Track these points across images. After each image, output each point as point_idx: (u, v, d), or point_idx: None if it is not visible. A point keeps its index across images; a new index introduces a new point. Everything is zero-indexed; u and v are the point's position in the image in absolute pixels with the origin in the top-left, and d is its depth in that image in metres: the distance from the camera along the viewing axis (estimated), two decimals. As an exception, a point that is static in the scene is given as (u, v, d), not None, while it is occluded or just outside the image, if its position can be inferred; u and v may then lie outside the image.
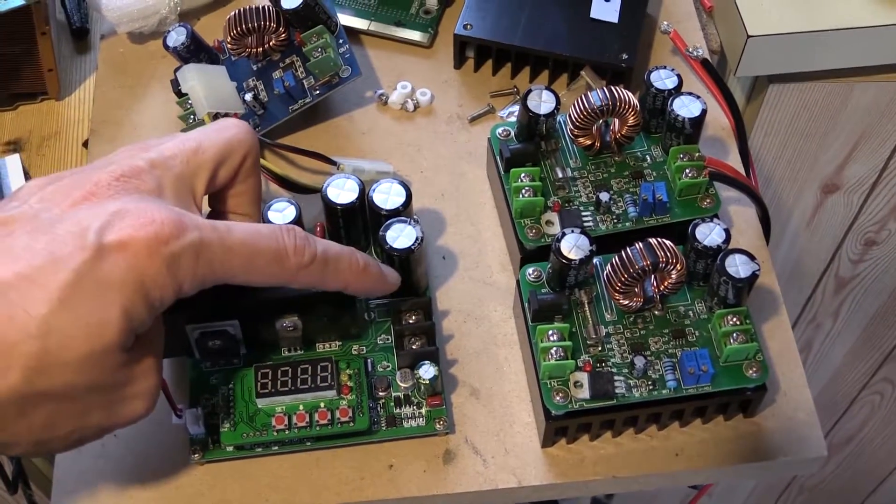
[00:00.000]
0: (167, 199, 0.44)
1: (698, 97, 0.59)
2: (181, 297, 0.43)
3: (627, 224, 0.58)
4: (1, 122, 0.77)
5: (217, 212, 0.51)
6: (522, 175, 0.59)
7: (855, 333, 1.17)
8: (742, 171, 0.65)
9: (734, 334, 0.53)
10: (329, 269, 0.48)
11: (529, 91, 0.60)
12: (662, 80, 0.60)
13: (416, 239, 0.55)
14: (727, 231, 0.54)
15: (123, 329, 0.41)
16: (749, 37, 0.74)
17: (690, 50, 0.68)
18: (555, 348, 0.53)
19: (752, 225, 0.65)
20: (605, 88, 0.58)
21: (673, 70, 0.60)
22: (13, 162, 0.68)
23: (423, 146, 0.68)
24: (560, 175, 0.60)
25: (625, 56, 0.68)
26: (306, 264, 0.47)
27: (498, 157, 0.61)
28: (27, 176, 0.69)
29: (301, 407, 0.55)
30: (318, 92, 0.66)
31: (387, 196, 0.58)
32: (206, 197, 0.50)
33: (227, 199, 0.51)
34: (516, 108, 0.69)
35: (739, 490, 1.55)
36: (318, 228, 0.60)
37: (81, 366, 0.41)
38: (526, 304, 0.56)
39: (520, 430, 0.57)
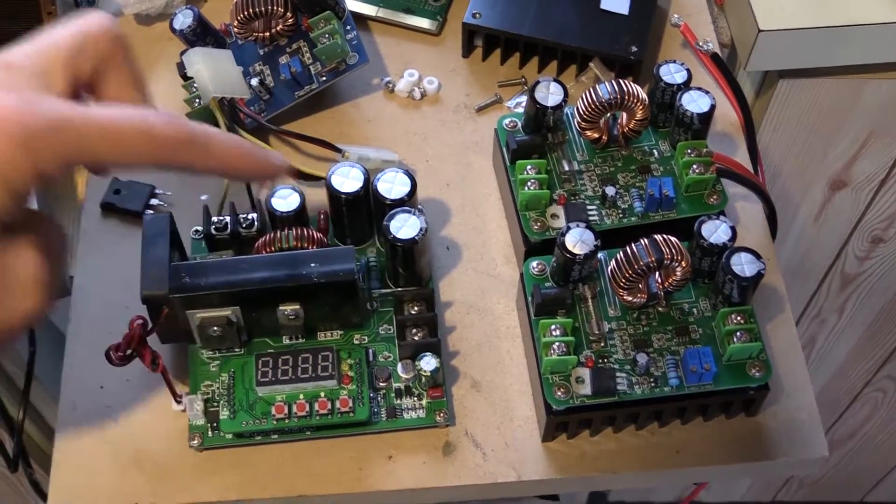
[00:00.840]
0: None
1: (707, 92, 0.58)
2: (47, 179, 0.41)
3: (633, 219, 0.58)
4: (6, 102, 0.76)
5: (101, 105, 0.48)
6: (528, 167, 0.58)
7: (859, 330, 1.16)
8: (750, 167, 0.65)
9: (738, 333, 0.53)
10: (209, 146, 0.45)
11: (537, 82, 0.59)
12: (672, 74, 0.59)
13: (421, 229, 0.55)
14: (733, 229, 0.54)
15: None
16: (760, 31, 0.73)
17: (700, 44, 0.67)
18: (557, 343, 0.52)
19: (758, 222, 0.64)
20: (613, 82, 0.58)
21: (682, 64, 0.60)
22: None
23: (430, 135, 0.68)
24: (566, 168, 0.60)
25: (634, 49, 0.67)
26: (181, 140, 0.44)
27: (504, 149, 0.61)
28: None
29: (301, 396, 0.55)
30: (324, 78, 0.66)
31: (391, 185, 0.57)
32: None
33: (106, 90, 0.48)
34: (524, 98, 0.69)
35: (739, 484, 1.55)
36: (322, 216, 0.60)
37: None
38: (529, 298, 0.55)
39: (520, 424, 0.57)
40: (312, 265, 0.53)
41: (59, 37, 0.46)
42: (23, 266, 0.43)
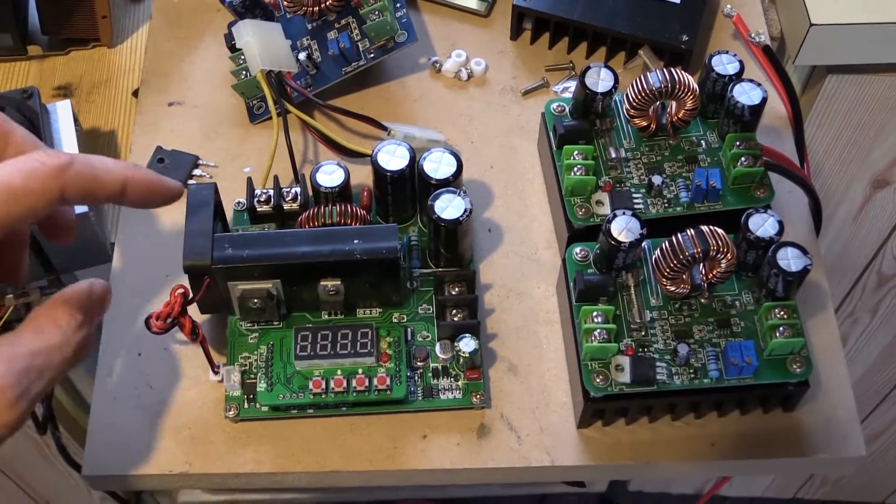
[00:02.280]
0: None
1: (759, 85, 0.58)
2: None
3: (678, 209, 0.58)
4: (52, 67, 0.77)
5: None
6: (575, 153, 0.58)
7: (892, 331, 1.15)
8: (796, 161, 0.64)
9: (781, 328, 0.53)
10: (98, 169, 0.44)
11: (588, 68, 0.59)
12: (724, 65, 0.59)
13: (465, 211, 0.55)
14: (781, 223, 0.53)
15: None
16: (812, 25, 0.72)
17: (753, 35, 0.66)
18: (598, 330, 0.52)
19: (802, 217, 0.64)
20: (664, 70, 0.57)
21: (735, 55, 0.59)
22: (64, 108, 0.67)
23: (475, 116, 0.68)
24: (613, 155, 0.59)
25: (685, 37, 0.66)
26: (67, 164, 0.42)
27: (551, 133, 0.60)
28: (77, 122, 0.69)
29: (339, 372, 0.55)
30: (372, 55, 0.66)
31: (437, 165, 0.57)
32: None
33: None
34: (571, 83, 0.68)
35: (760, 479, 1.54)
36: (366, 193, 0.60)
37: None
38: (571, 284, 0.55)
39: (556, 409, 0.57)
40: (355, 242, 0.53)
41: None
42: None
